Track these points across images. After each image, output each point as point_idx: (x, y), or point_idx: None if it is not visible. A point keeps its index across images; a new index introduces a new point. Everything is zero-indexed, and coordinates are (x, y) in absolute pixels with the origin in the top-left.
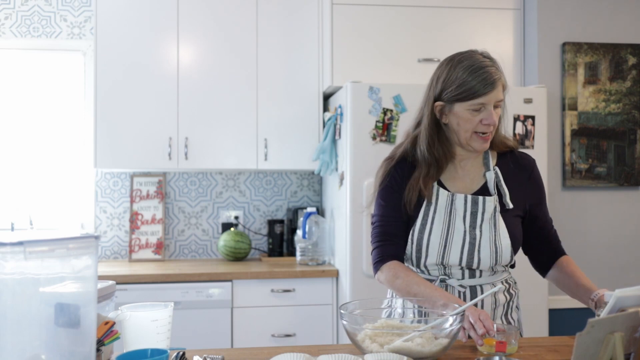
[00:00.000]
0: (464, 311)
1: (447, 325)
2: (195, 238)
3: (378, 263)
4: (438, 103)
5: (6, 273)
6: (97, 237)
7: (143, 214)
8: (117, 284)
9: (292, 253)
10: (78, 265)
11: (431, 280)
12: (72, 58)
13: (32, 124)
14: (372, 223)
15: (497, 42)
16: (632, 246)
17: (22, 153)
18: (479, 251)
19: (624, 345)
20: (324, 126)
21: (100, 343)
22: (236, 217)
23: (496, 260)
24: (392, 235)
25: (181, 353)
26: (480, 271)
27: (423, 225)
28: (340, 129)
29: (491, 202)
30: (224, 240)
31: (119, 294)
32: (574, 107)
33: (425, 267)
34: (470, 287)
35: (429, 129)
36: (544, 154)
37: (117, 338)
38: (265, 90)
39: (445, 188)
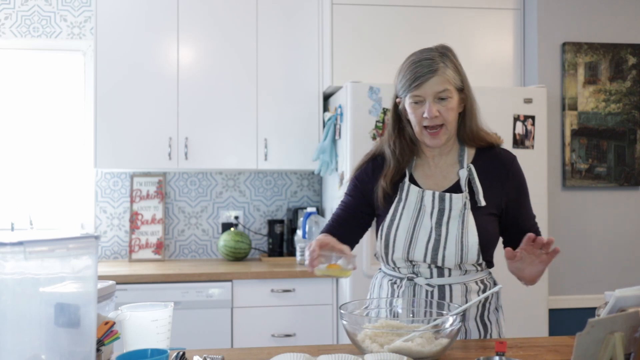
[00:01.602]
0: (464, 311)
1: (447, 325)
2: (195, 238)
3: None
4: (398, 99)
5: (6, 273)
6: (97, 237)
7: (143, 214)
8: (117, 284)
9: (292, 253)
10: (78, 265)
11: (400, 279)
12: (72, 58)
13: (32, 124)
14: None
15: (497, 42)
16: (632, 246)
17: (22, 153)
18: (444, 248)
19: (624, 345)
20: (324, 126)
21: (100, 343)
22: (236, 217)
23: (461, 258)
24: (342, 220)
25: (181, 353)
26: (449, 270)
27: (392, 220)
28: (340, 129)
29: (459, 199)
30: (224, 240)
31: (119, 294)
32: (574, 107)
33: (393, 262)
34: (439, 286)
35: (390, 125)
36: (544, 154)
37: (117, 338)
38: (265, 90)
39: (417, 185)
